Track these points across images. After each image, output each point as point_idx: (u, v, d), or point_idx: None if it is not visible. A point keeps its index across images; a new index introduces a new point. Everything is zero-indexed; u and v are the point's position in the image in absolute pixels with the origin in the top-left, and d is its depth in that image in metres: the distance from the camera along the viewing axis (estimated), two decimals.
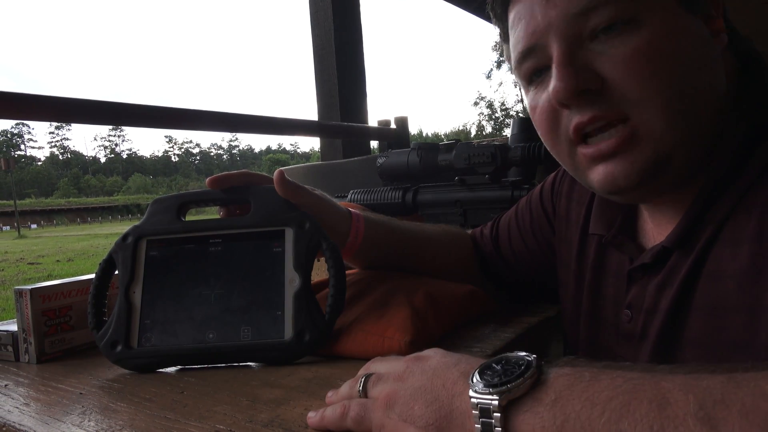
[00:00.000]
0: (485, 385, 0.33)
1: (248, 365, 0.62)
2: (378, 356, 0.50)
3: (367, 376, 0.44)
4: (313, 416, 0.44)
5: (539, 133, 0.56)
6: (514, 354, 0.36)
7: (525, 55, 0.53)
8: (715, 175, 0.49)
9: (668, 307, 0.51)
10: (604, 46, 0.48)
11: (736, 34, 0.53)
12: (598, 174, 0.51)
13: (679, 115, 0.47)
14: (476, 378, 0.35)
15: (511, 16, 0.54)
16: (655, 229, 0.57)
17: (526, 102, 0.58)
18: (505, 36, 0.58)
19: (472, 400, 0.33)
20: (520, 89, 0.59)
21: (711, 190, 0.49)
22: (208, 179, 0.67)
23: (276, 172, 0.66)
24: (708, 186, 0.49)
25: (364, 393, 0.43)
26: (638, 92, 0.47)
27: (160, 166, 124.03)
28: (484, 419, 0.33)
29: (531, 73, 0.54)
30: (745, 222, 0.45)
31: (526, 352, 0.36)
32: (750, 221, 0.45)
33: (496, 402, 0.32)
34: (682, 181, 0.51)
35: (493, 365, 0.35)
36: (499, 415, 0.32)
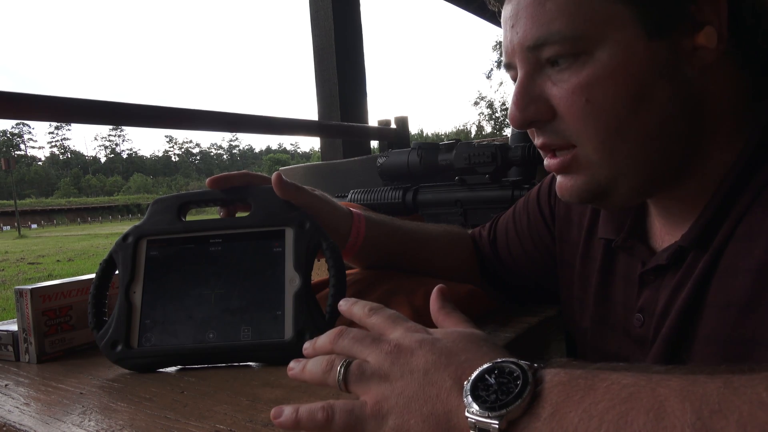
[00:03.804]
0: (483, 408, 0.32)
1: (248, 365, 0.62)
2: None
3: (348, 363, 0.40)
4: (294, 367, 0.44)
5: None
6: (506, 363, 0.34)
7: (506, 66, 0.55)
8: (731, 174, 0.48)
9: (681, 307, 0.50)
10: (559, 76, 0.49)
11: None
12: (556, 182, 0.55)
13: (616, 150, 0.48)
14: (470, 396, 0.33)
15: (502, 21, 0.55)
16: (664, 229, 0.56)
17: None
18: None
19: (470, 419, 0.33)
20: None
21: (728, 188, 0.48)
22: (208, 180, 0.67)
23: (274, 175, 0.65)
24: (725, 185, 0.48)
25: (344, 383, 0.40)
26: (577, 128, 0.49)
27: (160, 165, 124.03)
28: None
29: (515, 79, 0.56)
30: (761, 216, 0.44)
31: (517, 356, 0.35)
32: (767, 216, 0.44)
33: (496, 425, 0.32)
34: (638, 197, 0.54)
35: (486, 377, 0.34)
36: None
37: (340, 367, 0.41)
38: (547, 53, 0.48)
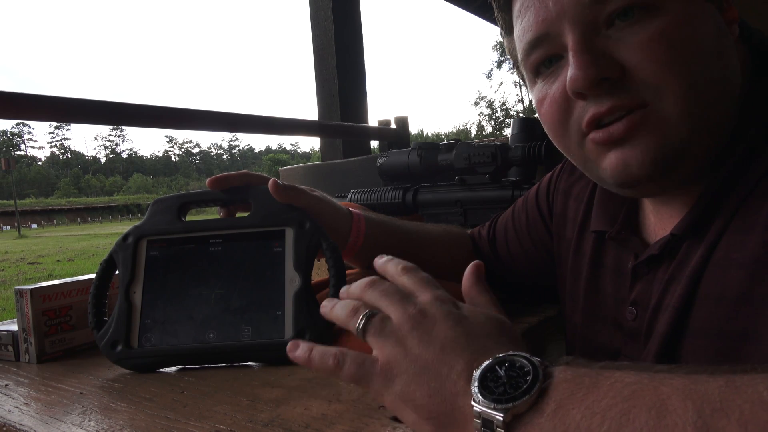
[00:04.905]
0: (489, 399, 0.33)
1: (248, 365, 0.62)
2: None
3: (371, 315, 0.41)
4: (326, 305, 0.46)
5: (546, 126, 0.54)
6: (518, 357, 0.34)
7: (534, 45, 0.51)
8: (727, 166, 0.48)
9: (676, 301, 0.49)
10: (622, 33, 0.46)
11: (746, 25, 0.51)
12: (610, 162, 0.49)
13: (697, 104, 0.46)
14: (479, 386, 0.34)
15: (517, 5, 0.53)
16: (658, 224, 0.56)
17: (531, 95, 0.56)
18: (508, 28, 0.57)
19: (475, 408, 0.33)
20: (521, 88, 0.58)
21: (723, 179, 0.47)
22: (208, 180, 0.67)
23: (270, 182, 0.65)
24: (720, 176, 0.48)
25: (363, 333, 0.41)
26: (658, 78, 0.45)
27: (160, 165, 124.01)
28: (486, 430, 0.33)
29: (539, 64, 0.52)
30: (756, 209, 0.44)
31: (530, 352, 0.35)
32: (762, 208, 0.44)
33: (500, 417, 0.32)
34: (696, 175, 0.49)
35: (497, 368, 0.34)
36: (502, 431, 0.32)
37: (362, 317, 0.41)
38: (612, 5, 0.46)
